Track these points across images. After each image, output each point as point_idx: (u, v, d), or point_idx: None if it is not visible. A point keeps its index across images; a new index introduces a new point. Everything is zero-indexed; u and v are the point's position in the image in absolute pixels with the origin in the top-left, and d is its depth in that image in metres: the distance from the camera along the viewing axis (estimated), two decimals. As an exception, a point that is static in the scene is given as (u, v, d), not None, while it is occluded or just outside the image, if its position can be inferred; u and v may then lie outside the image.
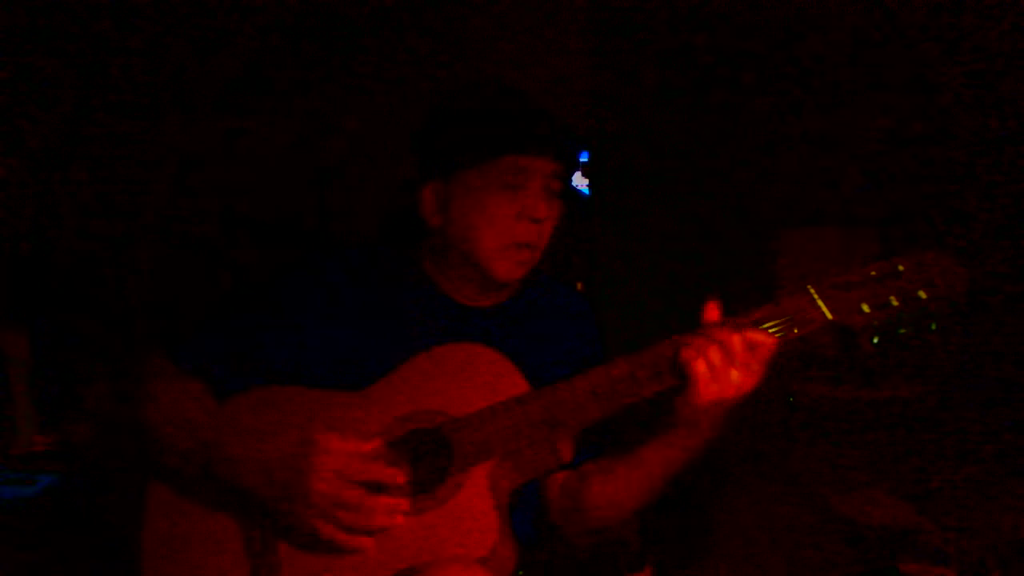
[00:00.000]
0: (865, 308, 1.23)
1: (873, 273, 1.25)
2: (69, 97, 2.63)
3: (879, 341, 1.26)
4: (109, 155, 2.74)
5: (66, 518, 2.01)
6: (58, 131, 2.61)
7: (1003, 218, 2.98)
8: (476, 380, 1.33)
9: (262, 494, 1.24)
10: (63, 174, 2.63)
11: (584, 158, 3.37)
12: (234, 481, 1.25)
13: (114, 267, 2.70)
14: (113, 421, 2.26)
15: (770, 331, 1.24)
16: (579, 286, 3.17)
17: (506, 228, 1.36)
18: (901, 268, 1.24)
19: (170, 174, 2.93)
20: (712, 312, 1.27)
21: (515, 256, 1.38)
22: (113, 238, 2.72)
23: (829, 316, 1.24)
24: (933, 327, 1.25)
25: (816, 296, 1.24)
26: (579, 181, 3.38)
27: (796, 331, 1.24)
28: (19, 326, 2.24)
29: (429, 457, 1.29)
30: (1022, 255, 2.93)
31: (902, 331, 1.26)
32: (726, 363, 1.20)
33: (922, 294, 1.23)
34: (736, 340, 1.21)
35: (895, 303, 1.23)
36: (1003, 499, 2.71)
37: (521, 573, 1.39)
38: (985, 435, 2.99)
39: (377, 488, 1.21)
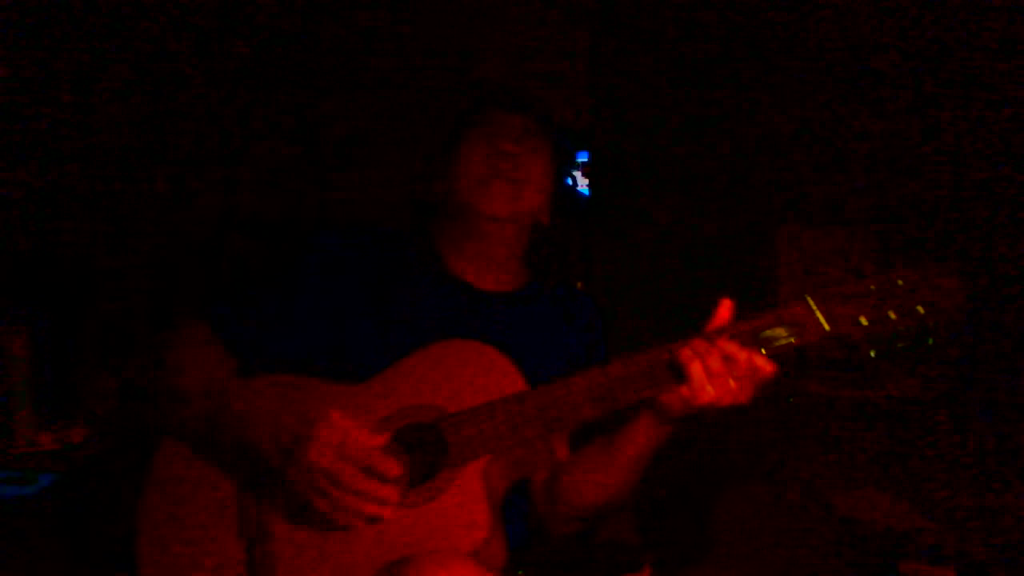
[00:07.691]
0: (863, 321, 1.24)
1: (873, 287, 1.25)
2: (69, 96, 2.63)
3: (876, 354, 1.26)
4: (109, 155, 2.75)
5: (66, 518, 2.01)
6: (59, 131, 2.62)
7: (1003, 217, 2.98)
8: (475, 377, 1.34)
9: (264, 453, 1.25)
10: (63, 174, 2.64)
11: (584, 158, 3.37)
12: (239, 433, 1.28)
13: (114, 267, 2.71)
14: (112, 420, 2.26)
15: (769, 342, 1.25)
16: (579, 286, 3.17)
17: (480, 164, 1.49)
18: (900, 282, 1.25)
19: (170, 173, 2.93)
20: (725, 311, 1.28)
21: (495, 188, 1.47)
22: (113, 238, 2.72)
23: (826, 328, 1.24)
24: (930, 342, 1.26)
25: (815, 307, 1.25)
26: (579, 181, 3.37)
27: (794, 341, 1.25)
28: (19, 326, 2.24)
29: (423, 452, 1.31)
30: (1021, 254, 2.92)
31: (900, 345, 1.26)
32: (725, 372, 1.21)
33: (920, 309, 1.23)
34: (741, 355, 1.22)
35: (893, 317, 1.24)
36: (1003, 499, 2.71)
37: (521, 573, 1.39)
38: (985, 435, 2.99)
39: (372, 476, 1.21)
